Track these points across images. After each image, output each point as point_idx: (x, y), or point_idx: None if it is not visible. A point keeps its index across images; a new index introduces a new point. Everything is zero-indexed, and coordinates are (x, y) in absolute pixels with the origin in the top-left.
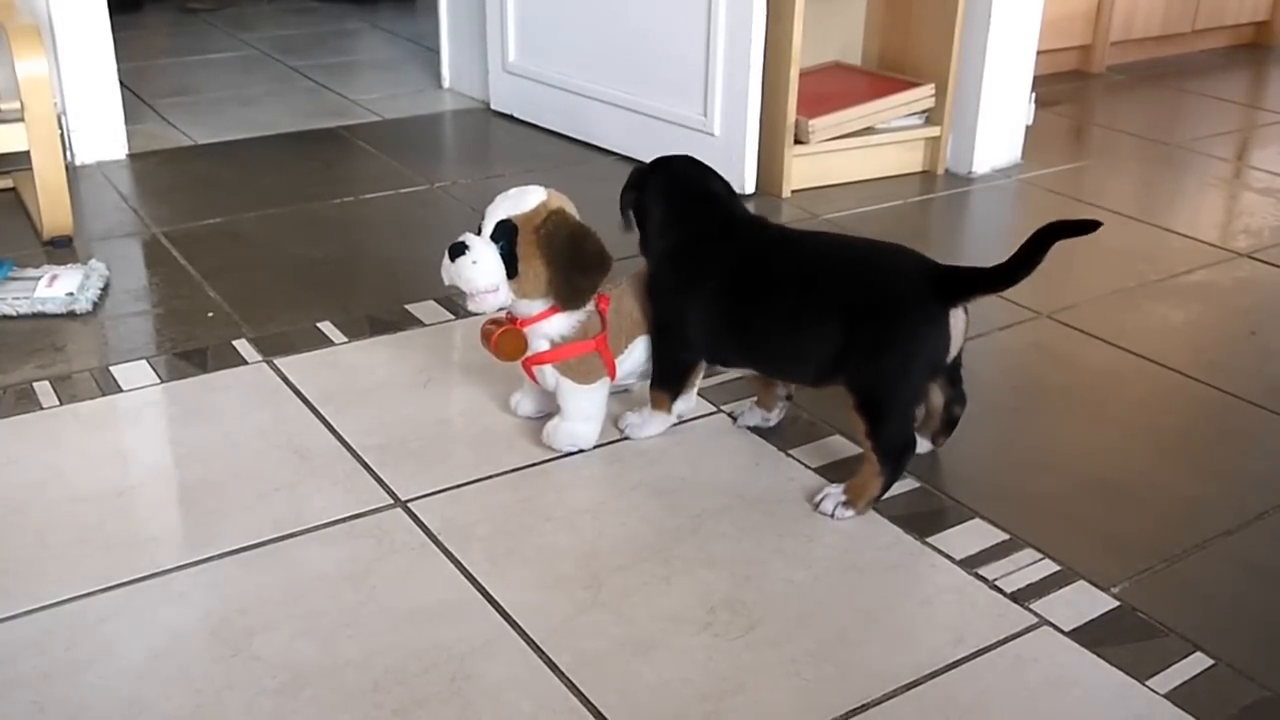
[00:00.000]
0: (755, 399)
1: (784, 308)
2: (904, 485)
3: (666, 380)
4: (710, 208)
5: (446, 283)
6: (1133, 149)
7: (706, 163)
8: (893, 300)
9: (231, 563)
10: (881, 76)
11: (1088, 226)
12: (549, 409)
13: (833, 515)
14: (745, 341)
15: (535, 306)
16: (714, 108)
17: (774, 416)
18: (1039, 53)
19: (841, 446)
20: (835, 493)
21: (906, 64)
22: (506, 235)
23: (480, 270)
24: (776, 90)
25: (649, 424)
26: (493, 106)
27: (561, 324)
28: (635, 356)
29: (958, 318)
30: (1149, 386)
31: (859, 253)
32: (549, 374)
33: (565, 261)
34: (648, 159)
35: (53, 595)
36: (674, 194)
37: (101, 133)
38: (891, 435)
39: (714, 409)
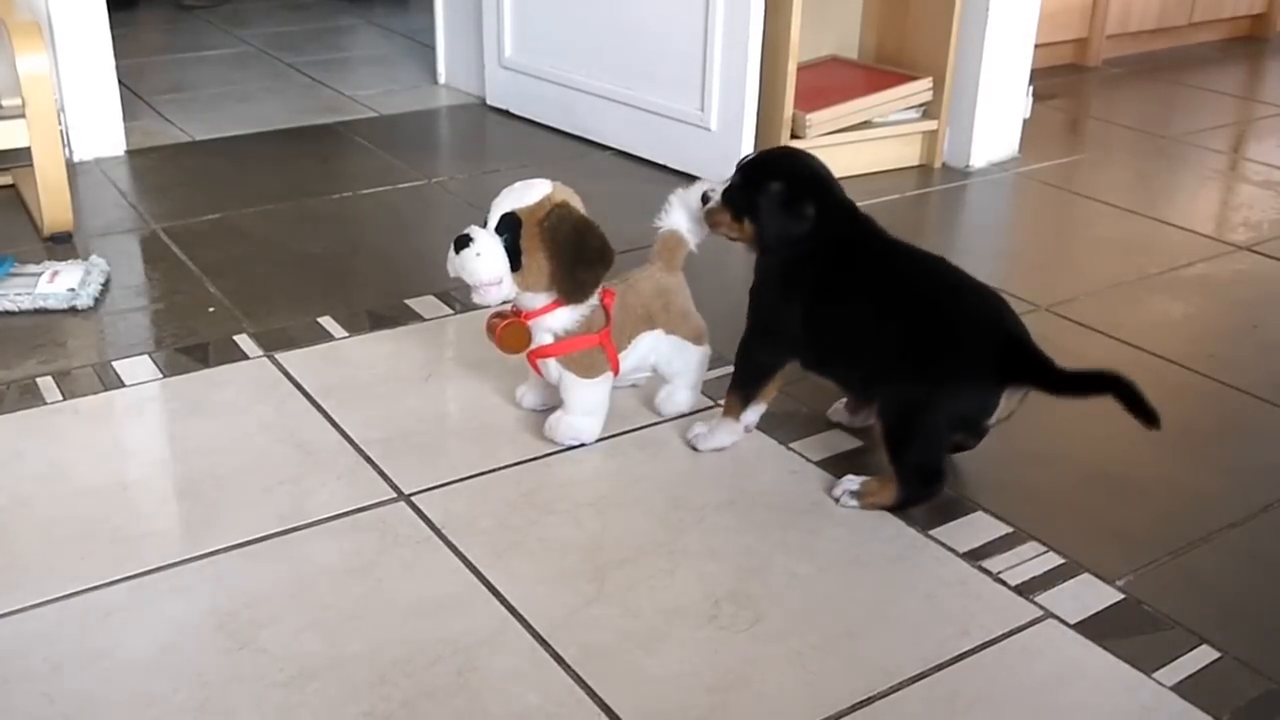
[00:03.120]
0: (844, 400)
1: (856, 317)
2: None
3: (744, 383)
4: (845, 214)
5: (451, 275)
6: (1130, 142)
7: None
8: (948, 355)
9: (236, 556)
10: (879, 70)
11: (1146, 413)
12: (553, 402)
13: (838, 500)
14: (822, 345)
15: (539, 300)
16: (711, 102)
17: (858, 418)
18: (1035, 46)
19: (844, 440)
20: (851, 481)
21: (904, 58)
22: (510, 228)
23: (484, 263)
24: (774, 84)
25: (717, 434)
26: (489, 102)
27: (565, 318)
28: (639, 352)
29: (1015, 394)
30: (1150, 380)
31: (949, 290)
32: (552, 367)
33: (568, 255)
34: (645, 153)
35: (60, 589)
36: (824, 200)
37: (100, 129)
38: (912, 466)
39: (711, 403)
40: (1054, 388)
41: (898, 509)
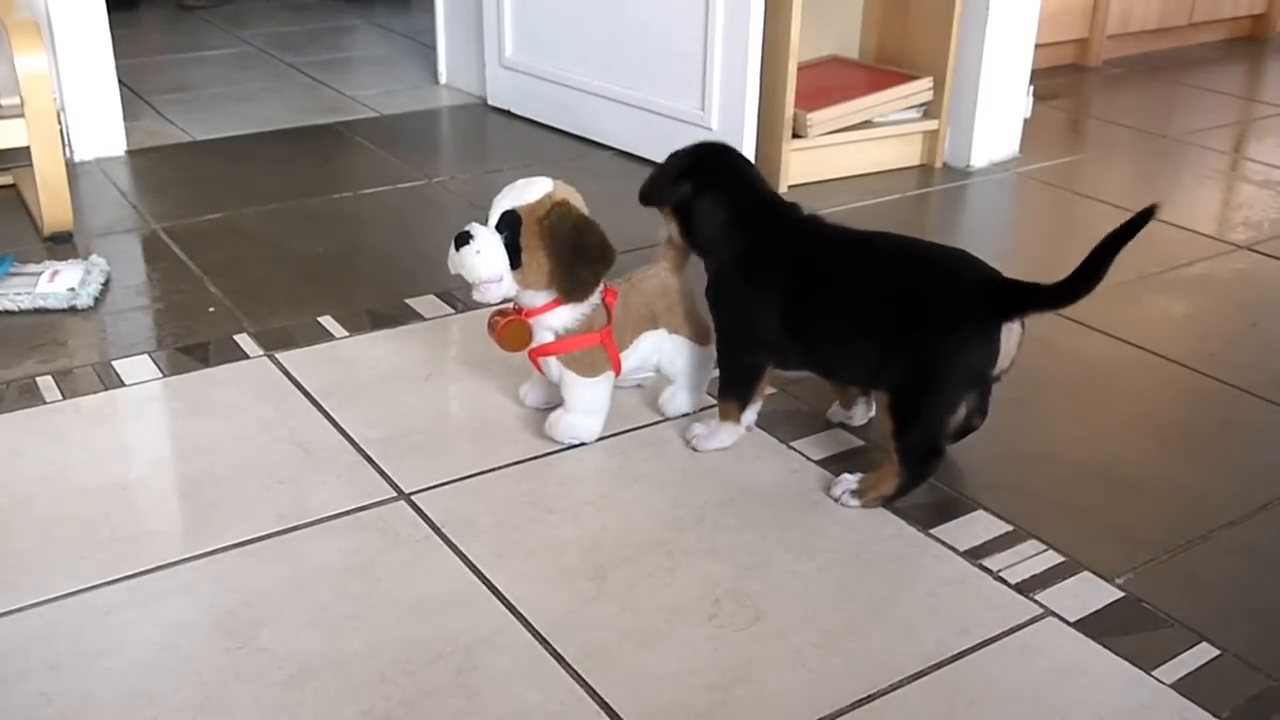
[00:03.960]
0: (838, 400)
1: (841, 308)
2: None
3: (734, 388)
4: (772, 209)
5: (452, 272)
6: (1130, 142)
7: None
8: (945, 307)
9: (236, 555)
10: (879, 70)
11: (1140, 221)
12: (556, 401)
13: (838, 500)
14: (806, 343)
15: (539, 298)
16: (712, 102)
17: (855, 415)
18: (1036, 46)
19: (844, 439)
20: (849, 480)
21: (904, 57)
22: (510, 226)
23: (484, 260)
24: (774, 84)
25: (717, 435)
26: (489, 102)
27: (565, 316)
28: (641, 351)
29: (1011, 332)
30: (1150, 378)
31: (919, 255)
32: (553, 366)
33: (567, 253)
34: (645, 153)
35: (60, 588)
36: (738, 195)
37: (100, 129)
38: (917, 440)
39: (713, 402)
40: (1056, 301)
41: (899, 495)
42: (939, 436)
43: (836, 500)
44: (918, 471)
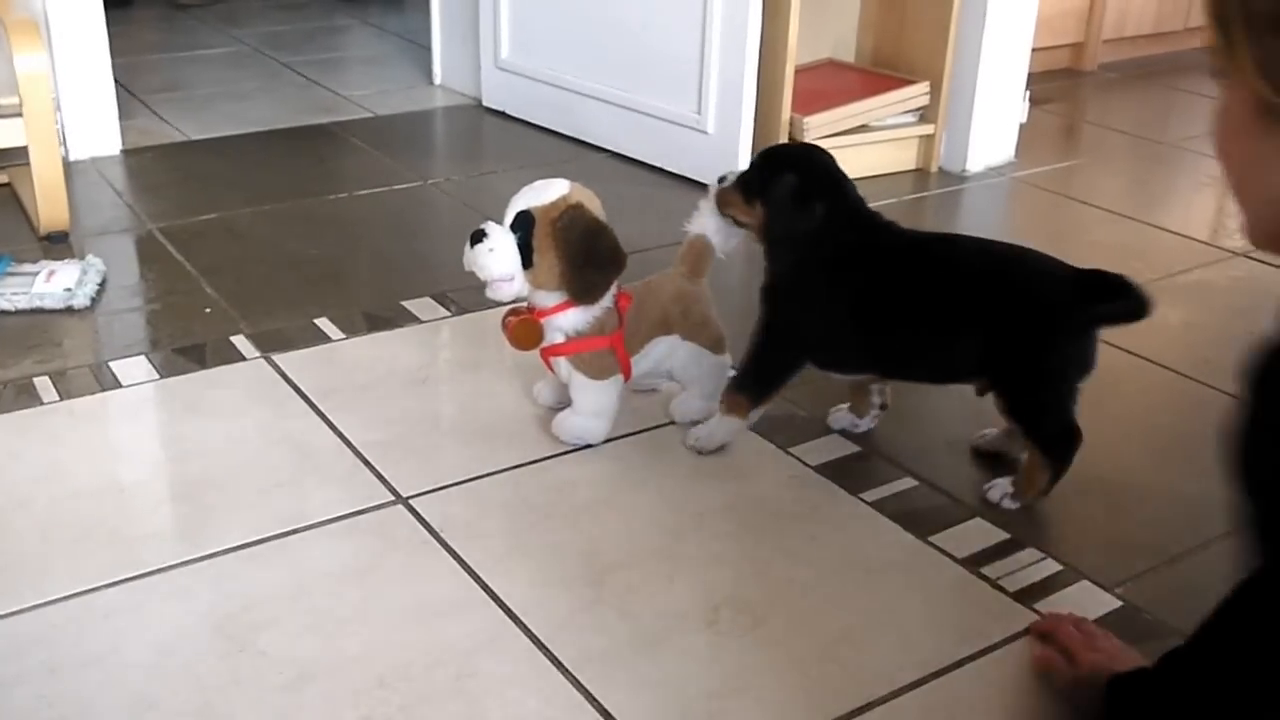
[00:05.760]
0: (848, 404)
1: (931, 313)
2: (905, 483)
3: (760, 384)
4: (856, 217)
5: (466, 268)
6: (1126, 147)
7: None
8: (1046, 305)
9: (235, 559)
10: (876, 74)
11: None
12: (568, 400)
13: (998, 504)
14: (878, 345)
15: (551, 298)
16: (708, 105)
17: (864, 423)
18: (1032, 51)
19: (843, 446)
20: (1003, 484)
21: (901, 61)
22: (524, 226)
23: (496, 258)
24: (771, 87)
25: (718, 432)
26: (484, 103)
27: (576, 318)
28: (653, 356)
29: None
30: (1146, 386)
31: (1006, 257)
32: (563, 366)
33: (578, 255)
34: (641, 156)
35: (58, 591)
36: (835, 201)
37: (96, 128)
38: (1052, 429)
39: None
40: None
41: (1054, 484)
42: (1069, 416)
43: (996, 504)
44: (1065, 455)
